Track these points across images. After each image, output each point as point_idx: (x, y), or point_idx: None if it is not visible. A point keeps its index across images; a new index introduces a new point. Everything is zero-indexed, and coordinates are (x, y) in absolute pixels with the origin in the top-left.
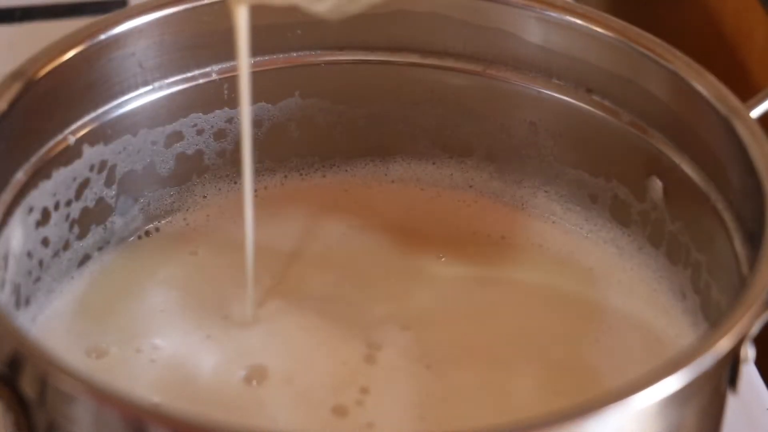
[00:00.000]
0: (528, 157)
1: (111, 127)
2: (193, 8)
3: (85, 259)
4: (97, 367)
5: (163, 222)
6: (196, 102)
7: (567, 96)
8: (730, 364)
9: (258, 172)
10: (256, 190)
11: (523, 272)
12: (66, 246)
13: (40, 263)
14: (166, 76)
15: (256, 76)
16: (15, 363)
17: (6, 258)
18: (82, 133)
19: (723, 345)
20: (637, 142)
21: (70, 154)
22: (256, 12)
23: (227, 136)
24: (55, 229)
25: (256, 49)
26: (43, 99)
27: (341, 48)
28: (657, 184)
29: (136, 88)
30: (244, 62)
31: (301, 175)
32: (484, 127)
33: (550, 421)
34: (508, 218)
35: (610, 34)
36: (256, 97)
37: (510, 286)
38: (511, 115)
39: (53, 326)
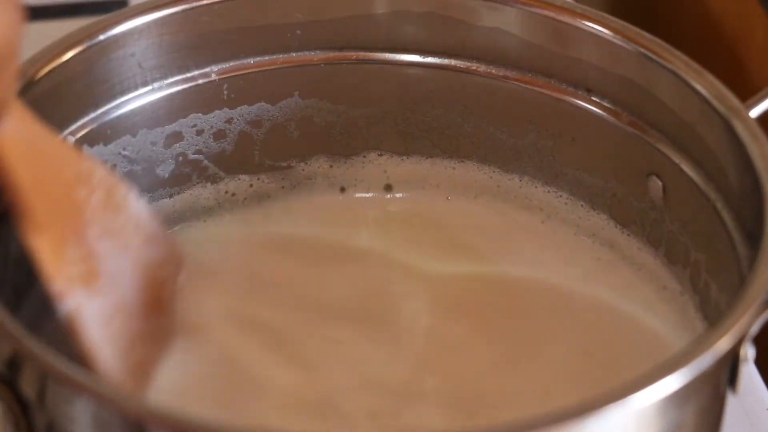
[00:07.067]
0: (528, 157)
1: (111, 127)
2: (193, 8)
3: None
4: None
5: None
6: (196, 102)
7: (567, 96)
8: (730, 364)
9: (258, 172)
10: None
11: (523, 272)
12: None
13: None
14: (165, 77)
15: (256, 76)
16: (15, 363)
17: (6, 258)
18: (82, 133)
19: (722, 345)
20: (637, 142)
21: None
22: (256, 12)
23: (227, 136)
24: None
25: (256, 49)
26: (43, 99)
27: (341, 48)
28: (657, 184)
29: (136, 88)
30: None
31: None
32: (484, 127)
33: (550, 421)
34: (509, 218)
35: (610, 34)
36: (256, 97)
37: (510, 285)
38: (511, 115)
39: (52, 326)
